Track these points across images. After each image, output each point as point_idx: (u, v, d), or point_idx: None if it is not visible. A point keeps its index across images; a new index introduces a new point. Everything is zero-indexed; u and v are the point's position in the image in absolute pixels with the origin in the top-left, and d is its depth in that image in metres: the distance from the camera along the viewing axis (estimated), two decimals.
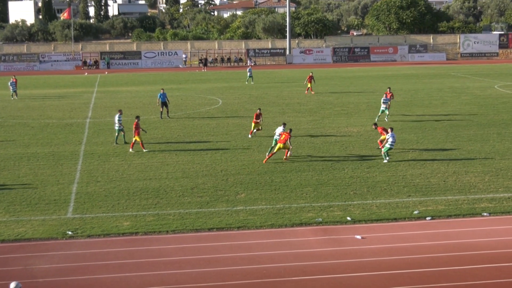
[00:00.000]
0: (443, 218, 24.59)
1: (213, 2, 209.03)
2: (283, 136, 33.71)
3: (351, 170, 31.95)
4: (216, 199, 27.30)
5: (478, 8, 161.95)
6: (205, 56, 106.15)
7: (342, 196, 27.49)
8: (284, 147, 33.81)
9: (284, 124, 35.11)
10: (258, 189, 28.81)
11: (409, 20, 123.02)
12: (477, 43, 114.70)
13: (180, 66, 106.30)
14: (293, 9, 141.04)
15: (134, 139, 36.90)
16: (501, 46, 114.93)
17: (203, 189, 28.88)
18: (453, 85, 70.55)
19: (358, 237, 22.69)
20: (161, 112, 48.80)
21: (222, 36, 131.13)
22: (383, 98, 46.96)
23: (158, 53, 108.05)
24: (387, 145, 33.64)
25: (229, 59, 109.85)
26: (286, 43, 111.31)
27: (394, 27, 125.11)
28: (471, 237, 22.51)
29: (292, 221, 24.37)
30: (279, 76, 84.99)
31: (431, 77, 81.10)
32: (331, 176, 30.84)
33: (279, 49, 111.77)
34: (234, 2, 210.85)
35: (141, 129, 37.04)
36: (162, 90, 49.29)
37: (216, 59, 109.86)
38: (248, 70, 76.85)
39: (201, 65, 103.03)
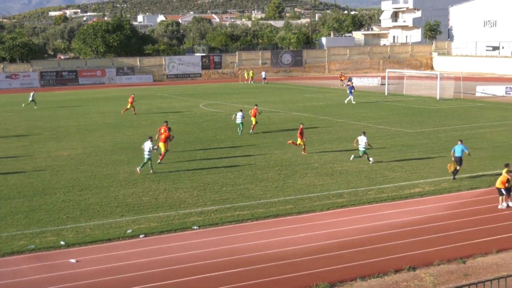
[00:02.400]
0: (156, 235, 25.00)
1: None
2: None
3: (63, 194, 31.26)
4: None
5: (181, 31, 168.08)
6: None
7: (55, 221, 26.76)
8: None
9: None
10: None
11: (115, 44, 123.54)
12: (182, 64, 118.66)
13: None
14: None
15: None
16: (204, 67, 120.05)
17: None
18: (160, 105, 72.25)
19: (73, 260, 22.23)
20: None
21: None
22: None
23: None
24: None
25: None
26: None
27: (102, 50, 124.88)
28: (183, 251, 23.13)
29: (2, 251, 23.16)
30: None
31: (140, 98, 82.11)
32: (43, 202, 29.89)
33: None
34: None
35: None
36: None
37: None
38: (31, 94, 72.72)
39: None
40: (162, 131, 39.97)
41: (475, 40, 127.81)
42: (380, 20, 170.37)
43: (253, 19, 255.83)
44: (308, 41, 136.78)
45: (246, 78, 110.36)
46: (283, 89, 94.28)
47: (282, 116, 59.75)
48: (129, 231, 25.32)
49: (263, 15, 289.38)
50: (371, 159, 37.76)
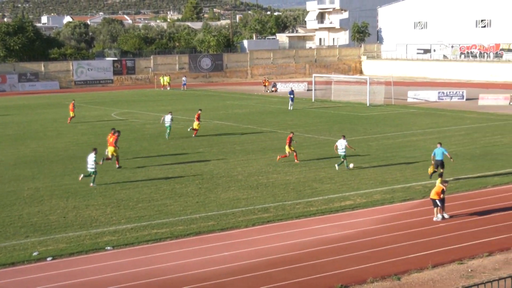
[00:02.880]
0: (65, 257, 24.50)
1: None
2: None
3: None
4: None
5: (90, 33, 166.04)
6: None
7: None
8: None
9: None
10: None
11: (17, 47, 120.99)
12: (91, 70, 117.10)
13: None
14: None
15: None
16: (116, 72, 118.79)
17: None
18: (67, 114, 71.14)
19: None
20: None
21: None
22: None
23: None
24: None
25: None
26: None
27: (1, 54, 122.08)
28: (96, 274, 22.74)
29: None
30: None
31: (45, 107, 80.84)
32: None
33: None
34: None
35: None
36: None
37: None
38: None
39: None
40: (108, 137, 41.88)
41: (405, 42, 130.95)
42: (305, 21, 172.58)
43: (168, 20, 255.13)
44: (228, 44, 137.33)
45: (163, 84, 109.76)
46: (203, 96, 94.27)
47: (202, 125, 59.60)
48: (35, 253, 24.76)
49: (180, 16, 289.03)
50: (351, 165, 38.90)
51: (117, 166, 40.64)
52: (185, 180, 36.89)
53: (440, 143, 36.55)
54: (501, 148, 45.71)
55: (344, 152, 38.76)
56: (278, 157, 41.98)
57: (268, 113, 69.56)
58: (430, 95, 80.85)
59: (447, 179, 30.15)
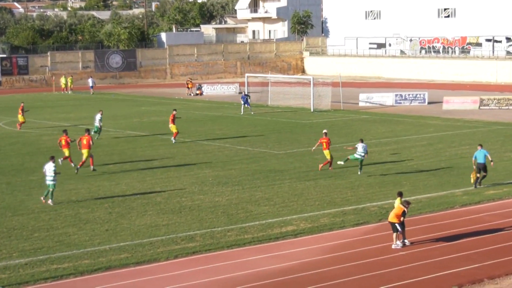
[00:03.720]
0: None
1: None
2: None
3: None
4: None
5: None
6: None
7: None
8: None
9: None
10: None
11: None
12: None
13: None
14: None
15: None
16: (5, 73, 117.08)
17: None
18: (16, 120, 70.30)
19: None
20: None
21: None
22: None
23: None
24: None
25: None
26: None
27: None
28: None
29: None
30: None
31: None
32: None
33: None
34: None
35: None
36: None
37: None
38: None
39: None
40: (63, 142, 44.96)
41: (355, 35, 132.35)
42: (235, 10, 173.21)
43: (69, 8, 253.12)
44: (143, 37, 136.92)
45: (63, 86, 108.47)
46: (112, 100, 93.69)
47: (111, 135, 59.23)
48: None
49: (83, 4, 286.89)
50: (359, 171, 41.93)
51: (91, 168, 43.84)
52: (91, 204, 36.50)
53: (481, 145, 38.49)
54: (469, 160, 46.27)
55: (362, 156, 41.36)
56: (320, 166, 43.59)
57: (192, 121, 69.42)
58: (386, 99, 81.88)
59: (408, 198, 30.39)
